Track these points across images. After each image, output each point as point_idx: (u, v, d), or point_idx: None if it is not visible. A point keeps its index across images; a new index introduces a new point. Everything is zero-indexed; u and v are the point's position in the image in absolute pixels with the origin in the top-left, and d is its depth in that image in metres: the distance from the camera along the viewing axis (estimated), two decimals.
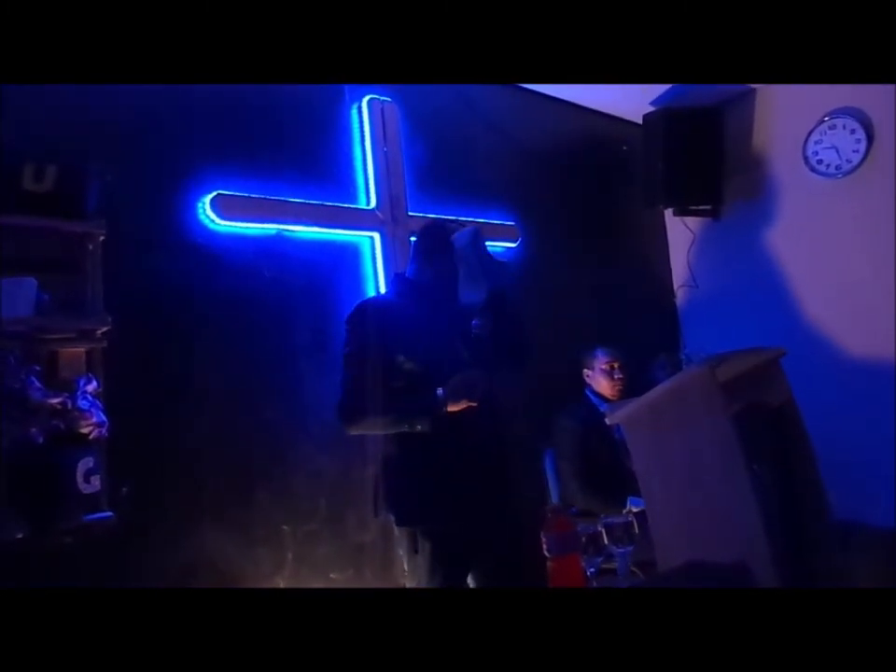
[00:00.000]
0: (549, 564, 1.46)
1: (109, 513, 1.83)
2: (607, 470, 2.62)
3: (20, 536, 1.67)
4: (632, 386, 2.83)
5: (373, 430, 2.07)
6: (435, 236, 2.09)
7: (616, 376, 2.86)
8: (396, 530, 2.04)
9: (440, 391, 1.85)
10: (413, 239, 2.25)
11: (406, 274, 2.14)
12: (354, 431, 2.07)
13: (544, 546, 1.46)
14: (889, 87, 3.08)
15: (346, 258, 2.65)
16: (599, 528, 1.47)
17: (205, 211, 2.27)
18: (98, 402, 1.85)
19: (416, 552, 1.90)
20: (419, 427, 1.86)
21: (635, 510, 2.23)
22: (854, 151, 3.27)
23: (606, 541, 1.47)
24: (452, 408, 1.84)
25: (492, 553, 1.94)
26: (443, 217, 2.85)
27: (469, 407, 1.84)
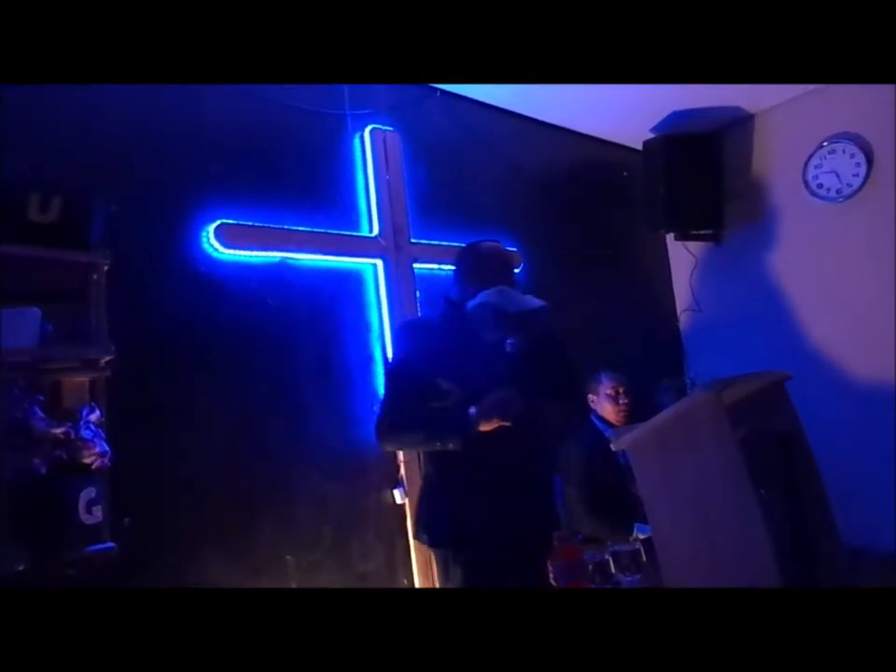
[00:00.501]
0: None
1: (111, 544, 1.81)
2: (613, 495, 2.60)
3: (21, 567, 1.65)
4: (637, 411, 2.82)
5: (406, 447, 2.08)
6: (473, 257, 2.09)
7: (621, 401, 2.86)
8: (431, 551, 2.04)
9: (472, 410, 1.81)
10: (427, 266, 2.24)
11: (449, 296, 2.13)
12: (388, 447, 2.08)
13: (551, 575, 1.44)
14: (887, 111, 3.10)
15: (349, 285, 2.66)
16: (606, 556, 1.46)
17: (209, 240, 2.28)
18: (101, 432, 1.84)
19: (448, 574, 1.88)
20: (451, 445, 1.83)
21: (641, 537, 2.21)
22: (854, 175, 3.28)
23: (613, 570, 1.45)
24: (484, 427, 1.79)
25: (523, 578, 1.90)
26: (449, 243, 2.88)
27: (502, 427, 1.79)
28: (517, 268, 3.12)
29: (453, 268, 2.15)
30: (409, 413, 1.90)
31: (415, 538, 2.13)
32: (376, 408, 2.08)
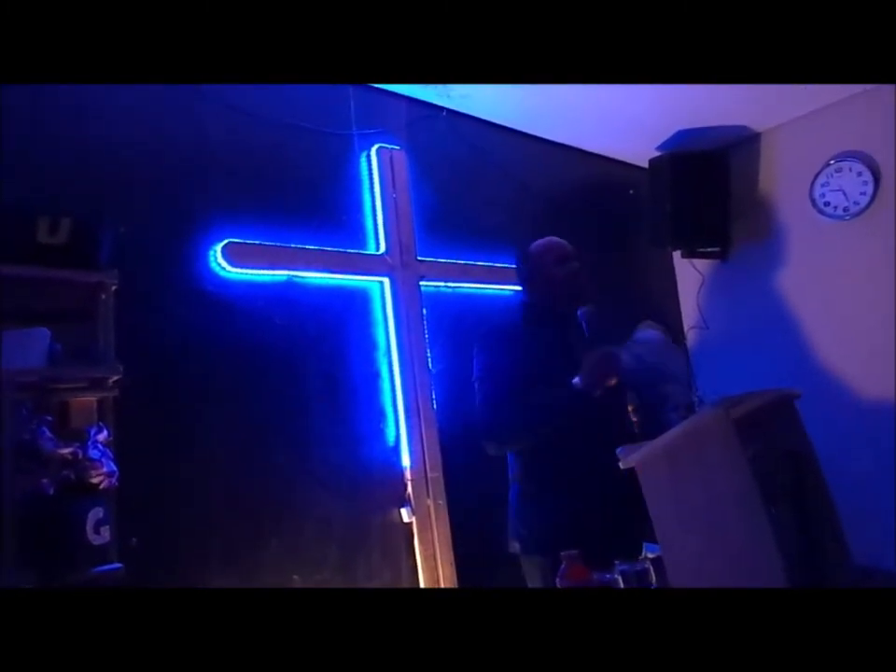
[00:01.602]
0: None
1: (118, 565, 1.81)
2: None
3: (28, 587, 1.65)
4: (645, 429, 2.80)
5: (521, 441, 2.04)
6: (539, 259, 2.20)
7: (629, 419, 2.84)
8: (523, 560, 2.03)
9: (575, 380, 1.88)
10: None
11: (527, 301, 2.24)
12: (504, 447, 2.08)
13: None
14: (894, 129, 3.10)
15: (356, 303, 2.66)
16: (615, 576, 1.44)
17: (217, 259, 2.29)
18: (109, 452, 1.84)
19: (546, 583, 1.85)
20: (565, 422, 1.89)
21: (651, 556, 2.18)
22: (861, 194, 3.28)
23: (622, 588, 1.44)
24: (594, 390, 1.87)
25: None
26: (455, 261, 2.90)
27: (611, 385, 1.87)
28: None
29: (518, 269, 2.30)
30: (518, 406, 1.94)
31: (507, 549, 2.10)
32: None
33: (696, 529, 1.44)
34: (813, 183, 3.42)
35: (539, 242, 2.26)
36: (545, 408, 1.94)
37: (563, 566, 1.44)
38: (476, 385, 2.08)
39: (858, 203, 3.29)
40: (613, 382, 1.88)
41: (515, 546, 2.01)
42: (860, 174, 3.28)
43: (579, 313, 2.05)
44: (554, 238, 2.26)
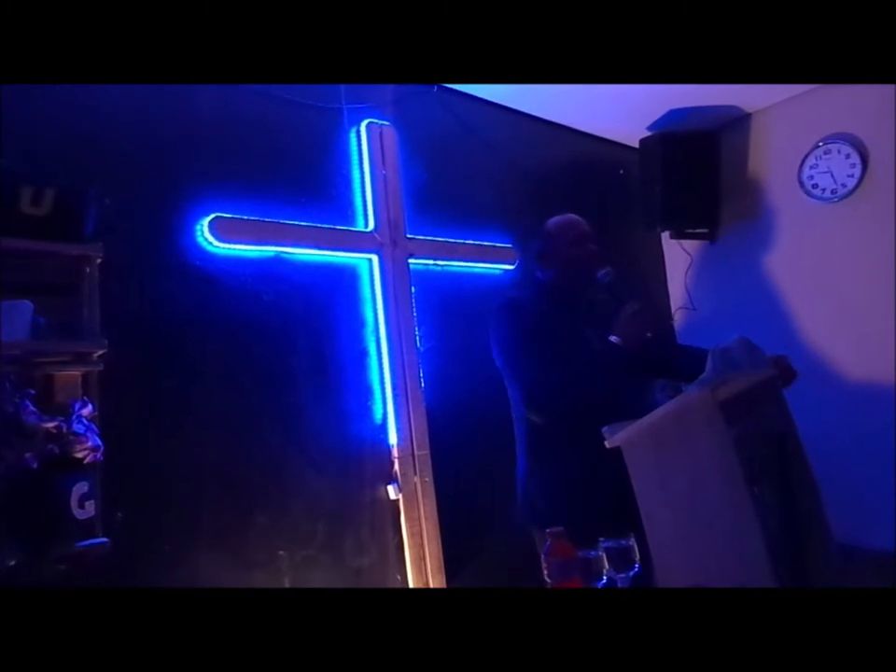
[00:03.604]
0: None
1: (104, 539, 1.81)
2: None
3: (12, 563, 1.64)
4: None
5: (569, 405, 1.99)
6: (558, 237, 2.18)
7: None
8: (535, 534, 2.03)
9: (612, 338, 1.91)
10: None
11: (541, 279, 2.21)
12: (553, 412, 2.01)
13: (545, 572, 1.44)
14: (883, 112, 3.11)
15: (344, 280, 2.65)
16: (599, 553, 1.45)
17: (203, 234, 2.27)
18: (93, 426, 1.83)
19: None
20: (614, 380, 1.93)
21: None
22: (849, 176, 3.29)
23: (606, 566, 1.45)
24: (633, 345, 1.91)
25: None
26: (445, 239, 2.89)
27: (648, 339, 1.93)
28: (511, 265, 3.13)
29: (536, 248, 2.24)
30: (562, 371, 1.94)
31: (518, 521, 2.10)
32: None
33: (680, 508, 1.45)
34: (802, 165, 3.43)
35: (557, 218, 2.22)
36: (588, 369, 1.94)
37: (548, 542, 1.45)
38: (507, 358, 2.05)
39: (845, 186, 3.30)
40: (649, 335, 1.94)
41: (528, 517, 2.03)
42: (848, 156, 3.29)
43: (599, 275, 2.06)
44: (574, 216, 2.22)
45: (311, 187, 2.59)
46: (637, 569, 1.48)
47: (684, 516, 1.45)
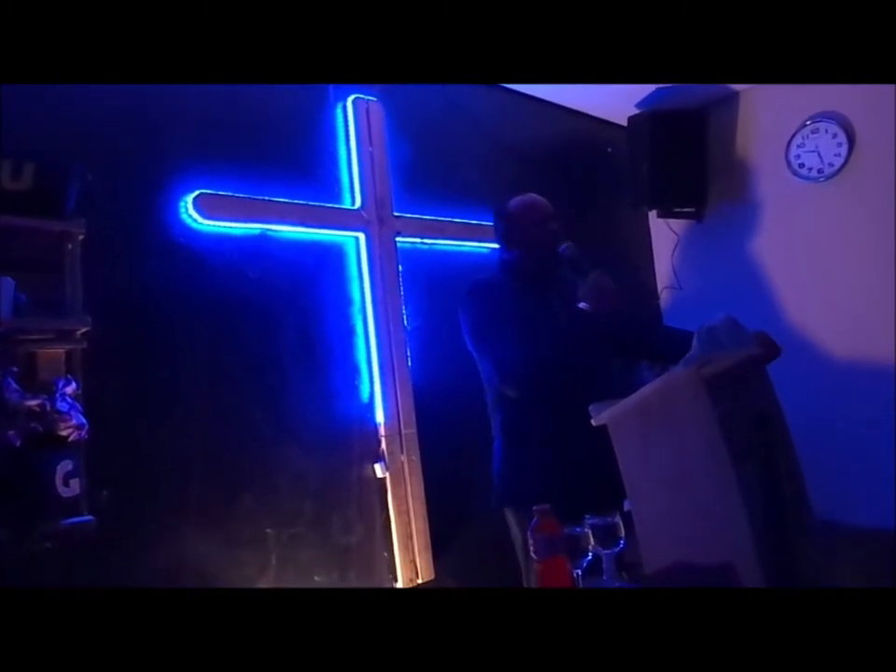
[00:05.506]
0: (536, 566, 1.45)
1: (89, 517, 1.80)
2: None
3: None
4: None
5: (540, 379, 2.00)
6: (520, 218, 2.19)
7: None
8: (510, 515, 2.06)
9: (581, 305, 1.98)
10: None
11: (507, 259, 2.21)
12: (525, 387, 2.02)
13: (531, 548, 1.45)
14: (871, 91, 3.11)
15: (331, 258, 2.63)
16: (585, 529, 1.47)
17: (188, 210, 2.24)
18: (77, 404, 1.82)
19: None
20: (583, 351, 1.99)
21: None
22: (836, 155, 3.30)
23: (592, 543, 1.46)
24: (602, 307, 1.97)
25: None
26: (432, 217, 2.87)
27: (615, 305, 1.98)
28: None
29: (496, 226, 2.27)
30: (533, 344, 1.97)
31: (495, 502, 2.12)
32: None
33: (665, 485, 1.47)
34: (789, 144, 3.43)
35: (518, 199, 2.22)
36: (558, 336, 2.00)
37: (534, 519, 1.46)
38: (477, 338, 2.06)
39: (832, 165, 3.31)
40: (617, 304, 1.99)
41: (502, 498, 2.04)
42: (835, 135, 3.30)
43: (560, 250, 2.07)
44: (535, 196, 2.22)
45: (297, 163, 2.56)
46: (622, 545, 1.49)
47: (669, 493, 1.46)
